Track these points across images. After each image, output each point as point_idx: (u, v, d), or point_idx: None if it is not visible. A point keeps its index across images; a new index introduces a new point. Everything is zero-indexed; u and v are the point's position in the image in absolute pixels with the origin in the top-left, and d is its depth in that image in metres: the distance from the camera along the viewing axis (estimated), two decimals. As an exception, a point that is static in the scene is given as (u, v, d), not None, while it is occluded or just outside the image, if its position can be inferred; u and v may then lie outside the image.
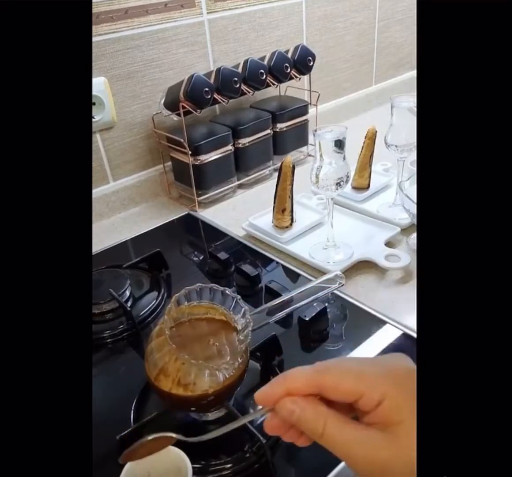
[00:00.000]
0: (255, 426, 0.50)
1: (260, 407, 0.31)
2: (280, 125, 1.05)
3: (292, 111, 1.05)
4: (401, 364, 0.29)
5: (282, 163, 0.80)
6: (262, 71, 0.95)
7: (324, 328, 0.64)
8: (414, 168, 0.90)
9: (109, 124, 0.92)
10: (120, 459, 0.39)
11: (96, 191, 0.95)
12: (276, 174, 0.82)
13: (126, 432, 0.49)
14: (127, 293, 0.71)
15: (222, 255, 0.77)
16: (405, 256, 0.74)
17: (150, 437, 0.38)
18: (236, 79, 0.91)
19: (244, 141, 0.99)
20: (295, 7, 1.12)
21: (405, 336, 0.61)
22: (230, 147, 0.97)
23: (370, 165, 0.92)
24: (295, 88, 1.10)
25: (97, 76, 0.87)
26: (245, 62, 0.95)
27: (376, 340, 0.62)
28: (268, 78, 0.97)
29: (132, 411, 0.53)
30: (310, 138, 1.11)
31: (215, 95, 0.90)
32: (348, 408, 0.29)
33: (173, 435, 0.38)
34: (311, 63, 1.03)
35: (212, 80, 0.90)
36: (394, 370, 0.28)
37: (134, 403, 0.54)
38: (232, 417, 0.50)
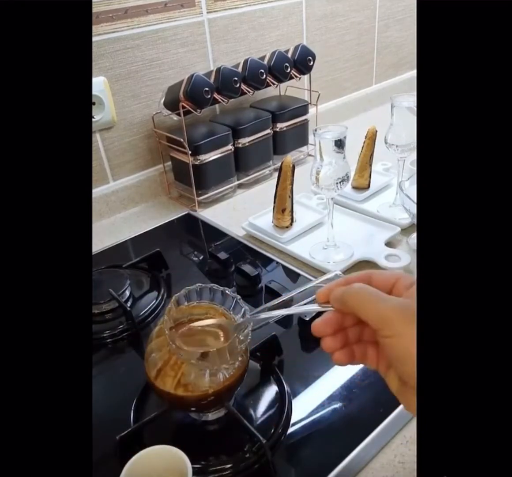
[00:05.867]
0: (255, 426, 0.50)
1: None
2: (280, 125, 1.05)
3: (292, 111, 1.05)
4: None
5: (282, 163, 0.80)
6: (262, 71, 0.95)
7: (324, 328, 0.64)
8: (414, 168, 0.90)
9: (109, 124, 0.92)
10: None
11: (96, 191, 0.95)
12: (276, 174, 0.82)
13: (126, 432, 0.49)
14: (127, 293, 0.71)
15: (222, 255, 0.77)
16: (405, 256, 0.74)
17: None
18: (236, 79, 0.91)
19: (244, 141, 0.99)
20: (295, 7, 1.12)
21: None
22: (230, 147, 0.97)
23: (370, 165, 0.92)
24: (295, 88, 1.10)
25: (97, 76, 0.87)
26: (245, 62, 0.95)
27: (376, 340, 0.61)
28: (268, 78, 0.97)
29: (132, 411, 0.53)
30: (310, 138, 1.11)
31: (215, 95, 0.90)
32: None
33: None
34: (311, 63, 1.03)
35: (212, 80, 0.90)
36: None
37: (134, 403, 0.54)
38: (232, 417, 0.50)
